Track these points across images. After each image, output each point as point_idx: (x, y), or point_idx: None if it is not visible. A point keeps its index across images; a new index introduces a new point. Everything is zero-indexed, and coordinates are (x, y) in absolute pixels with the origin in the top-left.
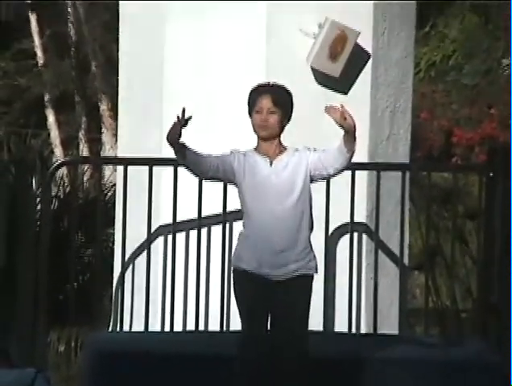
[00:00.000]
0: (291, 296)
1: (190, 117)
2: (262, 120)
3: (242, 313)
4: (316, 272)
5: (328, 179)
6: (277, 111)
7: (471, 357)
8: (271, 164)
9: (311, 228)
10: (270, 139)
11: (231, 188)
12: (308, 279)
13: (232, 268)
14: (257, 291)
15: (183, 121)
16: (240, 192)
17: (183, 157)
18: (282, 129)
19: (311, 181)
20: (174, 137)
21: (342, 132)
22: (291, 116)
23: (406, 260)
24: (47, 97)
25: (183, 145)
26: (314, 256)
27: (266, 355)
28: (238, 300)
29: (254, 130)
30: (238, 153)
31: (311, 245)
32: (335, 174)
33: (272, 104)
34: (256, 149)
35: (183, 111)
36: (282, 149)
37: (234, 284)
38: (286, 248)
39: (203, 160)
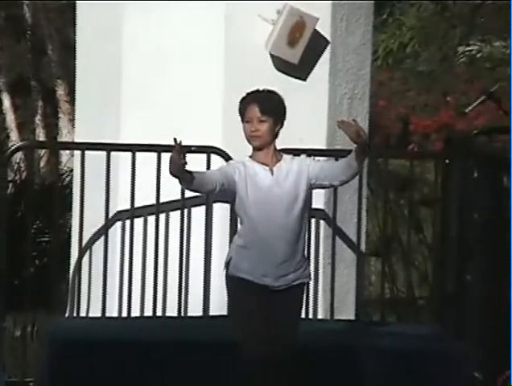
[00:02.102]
0: (290, 304)
1: (181, 143)
2: (253, 130)
3: (241, 320)
4: (310, 279)
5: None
6: (267, 119)
7: (427, 343)
8: (272, 173)
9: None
10: (264, 148)
11: None
12: (304, 287)
13: (228, 277)
14: (257, 300)
15: (181, 149)
16: (241, 203)
17: (189, 183)
18: (275, 136)
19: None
20: (179, 168)
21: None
22: (283, 121)
23: (363, 247)
24: (2, 81)
25: (187, 171)
26: (308, 263)
27: (268, 356)
28: (236, 308)
29: (247, 140)
30: (238, 164)
31: (305, 252)
32: (339, 185)
33: (260, 113)
34: (252, 157)
35: (176, 140)
36: (279, 156)
37: (232, 293)
38: (288, 258)
39: (207, 180)
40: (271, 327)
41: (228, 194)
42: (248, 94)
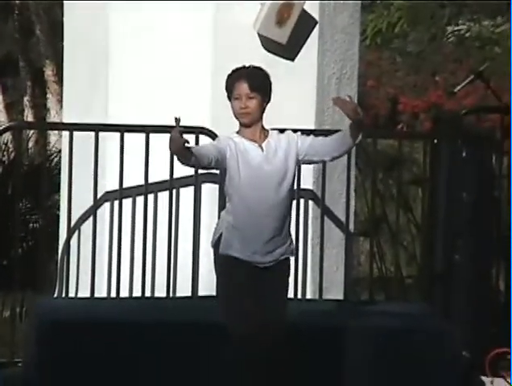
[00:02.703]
0: (278, 280)
1: (179, 120)
2: (242, 107)
3: (232, 298)
4: (294, 254)
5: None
6: (256, 96)
7: (415, 322)
8: (262, 150)
9: None
10: (252, 125)
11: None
12: (289, 261)
13: (219, 255)
14: (248, 277)
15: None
16: (231, 180)
17: (189, 160)
18: (263, 112)
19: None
20: (180, 147)
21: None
22: (270, 97)
23: (351, 227)
24: None
25: (187, 149)
26: (291, 238)
27: (260, 333)
28: (227, 286)
29: (235, 117)
30: (228, 140)
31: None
32: (329, 161)
33: (249, 89)
34: (240, 133)
35: (176, 119)
36: (266, 133)
37: (222, 270)
38: (276, 234)
39: (204, 155)
40: (262, 304)
41: (219, 169)
42: (235, 70)
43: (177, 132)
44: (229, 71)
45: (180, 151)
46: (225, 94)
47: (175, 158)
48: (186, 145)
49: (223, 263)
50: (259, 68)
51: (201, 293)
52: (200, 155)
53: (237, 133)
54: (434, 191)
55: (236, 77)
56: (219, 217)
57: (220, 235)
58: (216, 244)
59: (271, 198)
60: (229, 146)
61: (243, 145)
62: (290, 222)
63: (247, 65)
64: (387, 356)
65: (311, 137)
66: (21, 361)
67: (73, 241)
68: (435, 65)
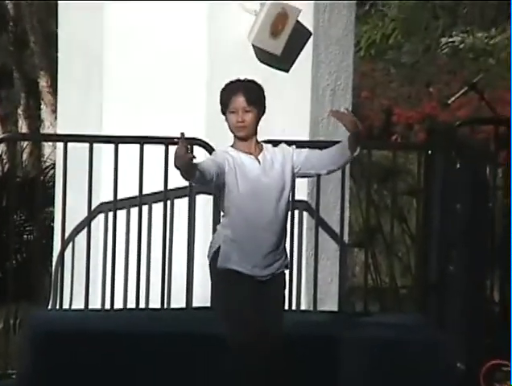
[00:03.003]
0: (275, 293)
1: (184, 135)
2: (239, 120)
3: (232, 311)
4: (288, 268)
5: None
6: (252, 109)
7: (410, 334)
8: (259, 162)
9: None
10: (248, 138)
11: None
12: (284, 275)
13: (217, 269)
14: (247, 291)
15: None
16: (229, 194)
17: (193, 176)
18: (257, 125)
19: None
20: (187, 162)
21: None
22: (265, 110)
23: (346, 238)
24: None
25: (193, 165)
26: (287, 252)
27: (260, 346)
28: (226, 299)
29: (231, 130)
30: (225, 154)
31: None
32: (325, 174)
33: (246, 103)
34: (236, 147)
35: (182, 135)
36: (260, 145)
37: (221, 283)
38: (274, 248)
39: (206, 171)
40: (261, 317)
41: (218, 184)
42: (230, 84)
43: (183, 147)
44: (223, 85)
45: (186, 167)
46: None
47: (179, 173)
48: (192, 161)
49: (222, 276)
50: (254, 82)
51: (195, 304)
52: (204, 171)
53: (232, 146)
54: (428, 202)
55: (232, 91)
56: (213, 228)
57: (218, 248)
58: (213, 258)
59: (270, 210)
60: (227, 160)
61: (240, 158)
62: (286, 236)
63: (242, 78)
64: (381, 367)
65: (307, 150)
66: (15, 373)
67: (67, 253)
68: (429, 76)
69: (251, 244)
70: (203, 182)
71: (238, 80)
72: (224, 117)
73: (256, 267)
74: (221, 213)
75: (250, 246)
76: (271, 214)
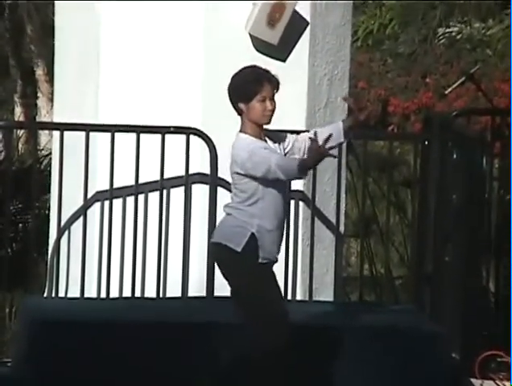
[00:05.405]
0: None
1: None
2: (268, 109)
3: (272, 301)
4: None
5: None
6: (274, 98)
7: (405, 324)
8: (279, 149)
9: None
10: (264, 126)
11: (169, 154)
12: None
13: (253, 260)
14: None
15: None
16: (262, 182)
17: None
18: None
19: None
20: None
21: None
22: None
23: (342, 228)
24: None
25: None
26: None
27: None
28: (267, 290)
29: (255, 118)
30: (264, 143)
31: None
32: None
33: (273, 92)
34: (253, 134)
35: (316, 134)
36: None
37: (261, 276)
38: (282, 236)
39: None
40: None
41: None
42: (257, 72)
43: (317, 144)
44: (221, 73)
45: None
46: (217, 94)
47: (297, 175)
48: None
49: (262, 269)
50: (269, 71)
51: (191, 293)
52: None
53: (246, 133)
54: (424, 193)
55: (259, 80)
56: (211, 217)
57: (249, 239)
58: (246, 248)
59: (285, 196)
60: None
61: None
62: None
63: (258, 66)
64: (376, 357)
65: (295, 135)
66: (10, 361)
67: (63, 241)
68: (426, 67)
69: (277, 232)
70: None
71: (261, 69)
72: (220, 107)
73: (277, 253)
74: (247, 202)
75: (277, 235)
76: (285, 199)
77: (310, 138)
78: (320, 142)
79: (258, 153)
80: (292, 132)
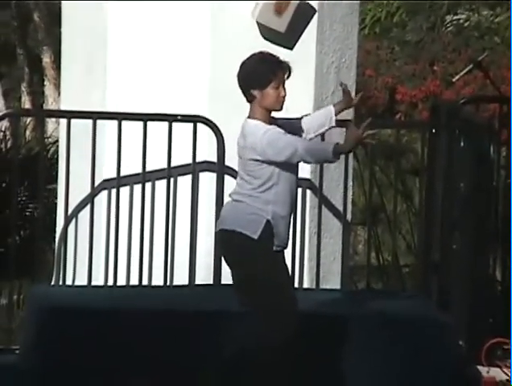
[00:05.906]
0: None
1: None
2: (282, 95)
3: (282, 286)
4: None
5: None
6: (284, 83)
7: (412, 312)
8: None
9: None
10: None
11: (176, 143)
12: None
13: (268, 247)
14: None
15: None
16: (276, 168)
17: None
18: None
19: None
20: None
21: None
22: None
23: (349, 216)
24: None
25: None
26: None
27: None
28: (279, 276)
29: (268, 105)
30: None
31: None
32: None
33: (284, 78)
34: (264, 120)
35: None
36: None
37: (276, 264)
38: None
39: None
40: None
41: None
42: (270, 59)
43: (354, 128)
44: (228, 62)
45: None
46: (223, 82)
47: (330, 159)
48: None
49: (277, 254)
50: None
51: (198, 281)
52: None
53: (256, 119)
54: (431, 181)
55: (275, 66)
56: (218, 205)
57: (265, 226)
58: (262, 236)
59: (296, 183)
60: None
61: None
62: None
63: (269, 53)
64: (383, 345)
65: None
66: (18, 348)
67: (70, 229)
68: (434, 54)
69: (288, 219)
70: None
71: (271, 55)
72: (227, 95)
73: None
74: (251, 186)
75: (288, 222)
76: (295, 186)
77: (347, 123)
78: (360, 130)
79: (281, 138)
80: (299, 119)
